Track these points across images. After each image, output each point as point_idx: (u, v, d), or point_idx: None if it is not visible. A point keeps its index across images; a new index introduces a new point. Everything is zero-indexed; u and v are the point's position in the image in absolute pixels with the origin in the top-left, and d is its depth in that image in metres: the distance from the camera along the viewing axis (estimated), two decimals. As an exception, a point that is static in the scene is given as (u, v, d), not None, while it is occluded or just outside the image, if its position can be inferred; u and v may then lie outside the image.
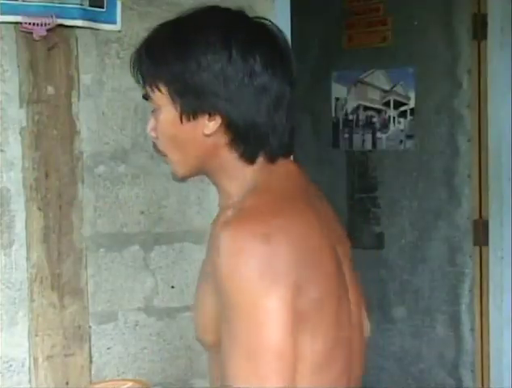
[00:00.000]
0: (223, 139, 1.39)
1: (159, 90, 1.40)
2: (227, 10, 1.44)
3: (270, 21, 1.44)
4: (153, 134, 1.45)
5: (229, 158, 1.41)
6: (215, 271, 1.29)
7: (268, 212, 1.32)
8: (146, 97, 1.44)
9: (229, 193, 1.43)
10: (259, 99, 1.38)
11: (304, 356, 1.30)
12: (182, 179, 1.48)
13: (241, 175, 1.42)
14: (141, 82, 1.44)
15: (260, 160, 1.41)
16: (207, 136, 1.39)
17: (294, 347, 1.27)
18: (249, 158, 1.40)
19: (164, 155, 1.45)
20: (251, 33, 1.40)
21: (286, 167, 1.45)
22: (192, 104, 1.37)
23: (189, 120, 1.38)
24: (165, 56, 1.39)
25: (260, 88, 1.37)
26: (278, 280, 1.26)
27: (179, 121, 1.39)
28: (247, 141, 1.39)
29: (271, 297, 1.25)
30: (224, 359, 1.28)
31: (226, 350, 1.28)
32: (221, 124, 1.37)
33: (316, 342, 1.32)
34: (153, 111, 1.44)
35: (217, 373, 1.38)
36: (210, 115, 1.37)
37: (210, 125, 1.37)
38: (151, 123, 1.45)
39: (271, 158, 1.42)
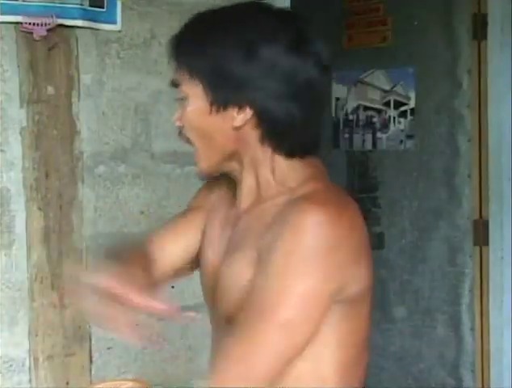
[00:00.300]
0: (252, 133, 1.37)
1: (193, 79, 1.37)
2: (270, 8, 1.41)
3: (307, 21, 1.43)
4: (178, 123, 1.42)
5: (262, 152, 1.39)
6: (279, 234, 1.27)
7: (336, 198, 1.34)
8: (175, 84, 1.41)
9: (270, 182, 1.40)
10: (303, 94, 1.35)
11: (345, 344, 1.34)
12: (207, 175, 1.47)
13: (280, 168, 1.40)
14: (174, 65, 1.41)
15: (292, 156, 1.40)
16: (237, 129, 1.36)
17: (307, 335, 1.28)
18: (285, 152, 1.39)
19: (192, 144, 1.42)
20: (305, 30, 1.38)
21: (318, 163, 1.45)
22: (226, 96, 1.34)
23: (218, 111, 1.36)
24: (209, 45, 1.35)
25: (306, 84, 1.35)
26: (331, 267, 1.27)
27: (208, 112, 1.36)
28: (283, 135, 1.37)
29: (313, 279, 1.26)
30: (239, 319, 1.29)
31: (254, 316, 1.27)
32: (252, 118, 1.35)
33: (358, 331, 1.38)
34: (179, 100, 1.41)
35: None
36: (240, 107, 1.34)
37: (239, 118, 1.35)
38: (178, 112, 1.42)
39: (304, 153, 1.41)
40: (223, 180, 1.54)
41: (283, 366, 1.29)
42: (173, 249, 1.59)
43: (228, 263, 1.42)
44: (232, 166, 1.43)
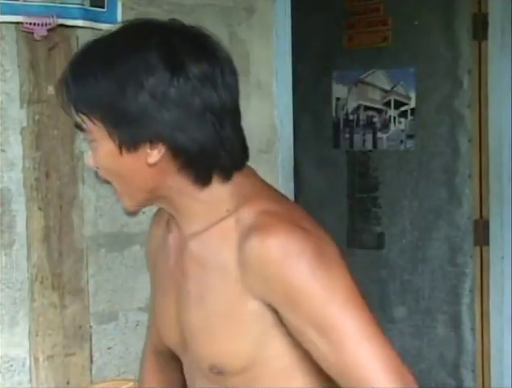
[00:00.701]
0: (171, 167, 1.28)
1: (92, 121, 1.27)
2: (160, 24, 1.31)
3: (204, 28, 1.32)
4: (93, 166, 1.34)
5: (184, 184, 1.31)
6: (274, 282, 1.23)
7: (287, 214, 1.29)
8: (79, 127, 1.32)
9: (199, 213, 1.33)
10: (202, 119, 1.26)
11: None
12: (133, 213, 1.39)
13: (209, 193, 1.32)
14: (70, 111, 1.31)
15: (215, 179, 1.31)
16: (152, 166, 1.27)
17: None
18: (203, 181, 1.30)
19: (110, 184, 1.35)
20: (183, 48, 1.26)
21: (245, 175, 1.36)
22: (130, 134, 1.25)
23: (129, 151, 1.26)
24: (96, 81, 1.25)
25: (202, 107, 1.25)
26: (336, 261, 1.27)
27: (118, 153, 1.27)
28: (198, 165, 1.28)
29: (341, 276, 1.26)
30: (334, 360, 1.23)
31: (330, 350, 1.23)
32: (166, 152, 1.26)
33: None
34: (88, 142, 1.33)
35: None
36: (151, 142, 1.25)
37: (153, 154, 1.26)
38: (89, 155, 1.34)
39: (226, 176, 1.32)
40: (156, 224, 1.54)
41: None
42: None
43: (194, 308, 1.35)
44: (159, 200, 1.36)
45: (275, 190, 1.41)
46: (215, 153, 1.28)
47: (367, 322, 1.24)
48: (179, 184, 1.31)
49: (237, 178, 1.34)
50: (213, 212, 1.32)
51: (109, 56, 1.26)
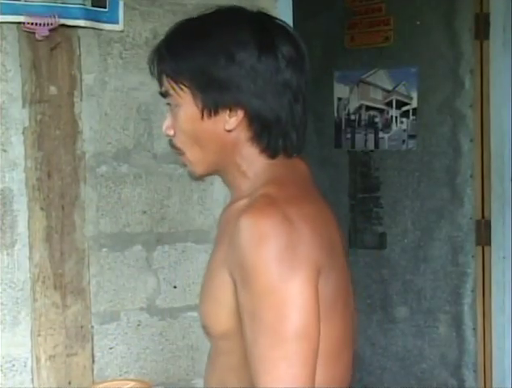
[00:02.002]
0: (244, 134, 1.40)
1: (181, 86, 1.40)
2: (248, 11, 1.46)
3: (284, 22, 1.47)
4: (169, 132, 1.45)
5: (250, 153, 1.42)
6: (236, 258, 1.30)
7: (286, 199, 1.34)
8: (164, 94, 1.44)
9: (242, 188, 1.44)
10: (282, 93, 1.39)
11: (320, 344, 1.31)
12: (200, 178, 1.49)
13: (259, 170, 1.43)
14: (160, 78, 1.44)
15: (280, 155, 1.43)
16: (229, 131, 1.39)
17: (319, 331, 1.29)
18: (271, 152, 1.42)
19: (182, 153, 1.45)
20: (275, 32, 1.41)
21: (299, 164, 1.47)
22: (215, 98, 1.38)
23: (210, 115, 1.39)
24: (190, 50, 1.39)
25: (283, 84, 1.39)
26: (301, 263, 1.28)
27: (200, 117, 1.39)
28: (270, 135, 1.40)
29: (296, 280, 1.27)
30: (249, 346, 1.29)
31: (250, 337, 1.29)
32: (243, 119, 1.38)
33: (331, 330, 1.35)
34: (169, 108, 1.45)
35: (220, 363, 1.41)
36: (231, 110, 1.38)
37: (231, 121, 1.38)
38: (167, 121, 1.45)
39: (289, 153, 1.43)
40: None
41: (312, 371, 1.28)
42: None
43: (207, 276, 1.45)
44: (222, 169, 1.46)
45: (308, 183, 1.47)
46: (286, 128, 1.41)
47: (293, 336, 1.26)
48: (245, 156, 1.42)
49: (285, 162, 1.44)
50: (246, 189, 1.42)
51: (204, 30, 1.41)
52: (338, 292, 1.38)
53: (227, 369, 1.41)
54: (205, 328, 1.42)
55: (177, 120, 1.43)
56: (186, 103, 1.40)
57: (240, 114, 1.38)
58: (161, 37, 1.51)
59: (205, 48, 1.38)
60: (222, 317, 1.37)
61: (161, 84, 1.45)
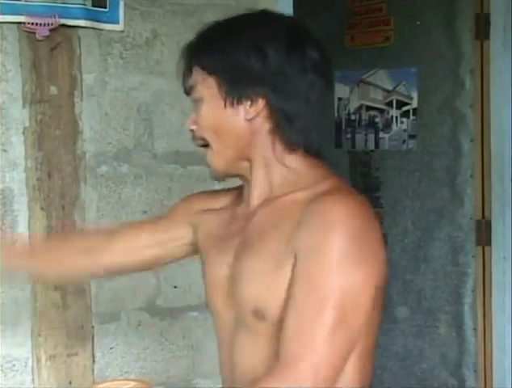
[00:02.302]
0: (264, 125, 1.46)
1: (209, 78, 1.45)
2: (278, 14, 1.54)
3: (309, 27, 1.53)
4: (192, 127, 1.50)
5: (271, 145, 1.47)
6: (309, 235, 1.34)
7: (355, 193, 1.43)
8: (189, 90, 1.50)
9: (284, 179, 1.47)
10: (304, 92, 1.45)
11: (368, 339, 1.42)
12: (222, 175, 1.53)
13: (290, 163, 1.47)
14: (187, 74, 1.49)
15: (300, 152, 1.47)
16: (249, 121, 1.45)
17: (361, 328, 1.37)
18: (291, 145, 1.46)
19: (204, 145, 1.50)
20: (303, 35, 1.48)
21: (323, 164, 1.52)
22: (239, 88, 1.44)
23: (232, 105, 1.44)
24: (224, 44, 1.45)
25: (307, 83, 1.45)
26: (373, 255, 1.37)
27: (223, 107, 1.45)
28: (291, 129, 1.45)
29: (364, 270, 1.36)
30: (292, 317, 1.33)
31: (297, 308, 1.33)
32: (263, 110, 1.44)
33: (375, 328, 1.47)
34: (195, 103, 1.50)
35: (274, 347, 1.40)
36: (252, 101, 1.43)
37: (251, 110, 1.44)
38: (191, 117, 1.51)
39: (311, 151, 1.49)
40: (211, 198, 1.68)
41: (344, 361, 1.34)
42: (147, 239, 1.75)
43: (248, 257, 1.46)
44: (244, 165, 1.49)
45: None
46: (306, 122, 1.46)
47: (344, 325, 1.32)
48: (267, 147, 1.46)
49: (314, 159, 1.50)
50: (289, 182, 1.47)
51: (236, 27, 1.48)
52: (383, 290, 1.46)
53: (275, 354, 1.41)
54: (258, 311, 1.42)
55: (200, 113, 1.48)
56: (211, 95, 1.46)
57: (260, 103, 1.43)
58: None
59: (238, 44, 1.44)
60: (283, 299, 1.38)
61: (185, 81, 1.50)
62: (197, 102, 1.49)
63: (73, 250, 1.79)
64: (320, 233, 1.33)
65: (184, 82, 1.51)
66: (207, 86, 1.46)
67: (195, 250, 1.72)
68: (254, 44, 1.43)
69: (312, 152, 1.49)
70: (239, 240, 1.51)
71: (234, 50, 1.44)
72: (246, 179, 1.52)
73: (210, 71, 1.46)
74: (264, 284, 1.41)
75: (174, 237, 1.75)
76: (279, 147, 1.47)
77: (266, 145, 1.47)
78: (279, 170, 1.48)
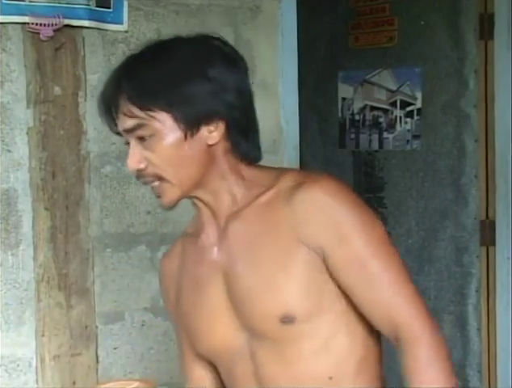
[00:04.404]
0: (224, 146, 1.44)
1: (157, 113, 1.38)
2: (198, 34, 1.48)
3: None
4: (141, 166, 1.42)
5: (229, 163, 1.45)
6: (323, 224, 1.37)
7: (320, 173, 1.46)
8: (130, 129, 1.41)
9: (239, 193, 1.46)
10: (249, 101, 1.46)
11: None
12: (174, 205, 1.49)
13: (246, 174, 1.47)
14: (124, 112, 1.40)
15: (255, 160, 1.49)
16: (211, 147, 1.42)
17: None
18: (250, 158, 1.47)
19: (158, 180, 1.43)
20: (230, 48, 1.47)
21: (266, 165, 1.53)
22: (197, 116, 1.39)
23: (192, 134, 1.40)
24: (161, 76, 1.39)
25: (248, 92, 1.46)
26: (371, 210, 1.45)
27: (183, 139, 1.39)
28: (247, 142, 1.45)
29: (380, 224, 1.46)
30: (369, 291, 1.39)
31: (367, 282, 1.39)
32: (223, 131, 1.42)
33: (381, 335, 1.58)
34: (135, 141, 1.42)
35: (297, 351, 1.42)
36: (209, 125, 1.40)
37: (213, 135, 1.41)
38: (135, 155, 1.42)
39: (260, 158, 1.50)
40: (168, 260, 1.64)
41: None
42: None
43: (246, 272, 1.44)
44: (201, 189, 1.47)
45: None
46: (256, 132, 1.48)
47: (400, 267, 1.41)
48: (225, 166, 1.45)
49: (260, 165, 1.51)
50: (251, 190, 1.46)
51: (169, 53, 1.42)
52: None
53: (309, 354, 1.43)
54: (287, 317, 1.40)
55: (154, 150, 1.40)
56: (165, 129, 1.39)
57: (221, 126, 1.41)
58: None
59: (177, 68, 1.40)
60: (307, 297, 1.40)
61: (118, 123, 1.43)
62: (145, 140, 1.40)
63: None
64: (330, 219, 1.37)
65: (116, 124, 1.44)
66: (158, 122, 1.39)
67: None
68: (196, 69, 1.40)
69: (260, 159, 1.50)
70: (223, 264, 1.47)
71: (178, 78, 1.39)
72: (202, 201, 1.49)
73: (158, 108, 1.38)
74: (283, 288, 1.40)
75: None
76: (235, 162, 1.46)
77: (223, 164, 1.45)
78: (238, 183, 1.46)
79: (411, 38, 3.74)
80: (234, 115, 1.42)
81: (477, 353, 3.64)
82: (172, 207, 1.49)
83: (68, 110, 2.42)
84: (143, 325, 2.56)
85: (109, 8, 2.46)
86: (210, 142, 1.41)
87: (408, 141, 3.82)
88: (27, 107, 2.37)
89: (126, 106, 1.39)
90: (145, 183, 1.47)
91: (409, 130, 3.81)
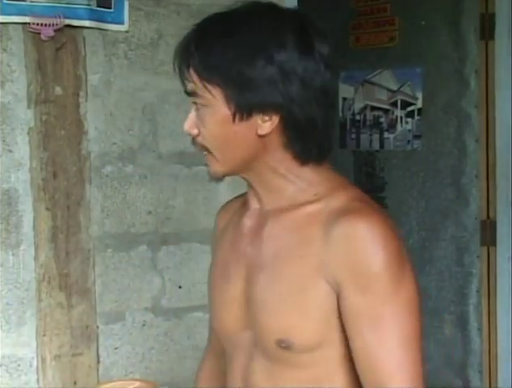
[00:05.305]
0: (277, 139, 1.34)
1: (210, 87, 1.32)
2: (283, 7, 1.38)
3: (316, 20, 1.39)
4: (193, 131, 1.36)
5: (282, 160, 1.36)
6: (351, 264, 1.27)
7: (377, 205, 1.36)
8: (190, 93, 1.35)
9: (287, 192, 1.38)
10: (319, 98, 1.34)
11: None
12: (220, 179, 1.41)
13: (306, 174, 1.38)
14: (184, 76, 1.35)
15: (311, 161, 1.38)
16: (260, 137, 1.33)
17: None
18: (303, 158, 1.37)
19: (207, 152, 1.37)
20: (313, 31, 1.34)
21: (328, 166, 1.43)
22: (249, 102, 1.31)
23: (242, 119, 1.32)
24: (223, 50, 1.31)
25: (320, 88, 1.34)
26: (409, 265, 1.31)
27: (231, 120, 1.32)
28: (305, 142, 1.35)
29: (411, 281, 1.29)
30: (368, 349, 1.28)
31: (371, 339, 1.27)
32: (278, 124, 1.32)
33: None
34: (195, 106, 1.36)
35: (294, 378, 1.36)
36: (264, 114, 1.31)
37: (265, 125, 1.32)
38: (190, 119, 1.36)
39: (319, 160, 1.39)
40: (229, 206, 1.57)
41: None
42: None
43: (265, 281, 1.38)
44: (248, 172, 1.39)
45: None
46: (320, 133, 1.36)
47: (415, 336, 1.28)
48: (278, 160, 1.36)
49: (324, 166, 1.41)
50: (301, 193, 1.37)
51: (240, 27, 1.32)
52: None
53: (308, 382, 1.36)
54: (283, 342, 1.34)
55: (204, 121, 1.34)
56: (217, 105, 1.32)
57: (275, 119, 1.31)
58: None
59: (242, 46, 1.30)
60: (312, 328, 1.33)
61: (184, 82, 1.36)
62: (199, 108, 1.35)
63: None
64: (360, 265, 1.27)
65: (183, 83, 1.36)
66: (211, 96, 1.32)
67: None
68: (262, 49, 1.29)
69: (323, 155, 1.39)
70: (249, 259, 1.41)
71: (240, 57, 1.29)
72: (251, 185, 1.42)
73: (213, 80, 1.31)
74: (290, 314, 1.34)
75: None
76: (290, 159, 1.36)
77: (276, 158, 1.36)
78: (288, 181, 1.38)
79: (412, 38, 3.74)
80: (292, 110, 1.31)
81: (478, 353, 3.65)
82: (218, 180, 1.41)
83: (69, 110, 2.42)
84: (144, 325, 2.56)
85: (110, 8, 2.46)
86: (260, 132, 1.32)
87: (409, 141, 3.82)
88: (28, 107, 2.37)
89: (188, 69, 1.33)
90: (197, 150, 1.40)
91: (409, 130, 3.81)
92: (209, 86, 1.31)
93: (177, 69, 1.36)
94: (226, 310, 1.46)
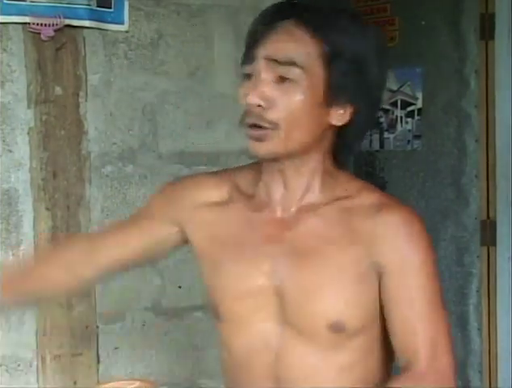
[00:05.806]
0: (332, 136, 1.40)
1: (319, 65, 1.32)
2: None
3: None
4: (261, 102, 1.32)
5: (328, 154, 1.42)
6: (394, 251, 1.37)
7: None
8: (284, 62, 1.31)
9: (320, 186, 1.43)
10: (380, 102, 1.44)
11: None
12: (267, 157, 1.38)
13: (334, 172, 1.44)
14: (284, 39, 1.31)
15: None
16: (330, 127, 1.38)
17: None
18: (342, 159, 1.46)
19: (270, 128, 1.33)
20: (383, 40, 1.47)
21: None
22: (345, 92, 1.34)
23: (327, 106, 1.34)
24: (354, 35, 1.33)
25: (383, 94, 1.43)
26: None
27: (318, 103, 1.33)
28: (354, 143, 1.46)
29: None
30: (406, 321, 1.38)
31: (408, 313, 1.38)
32: (347, 120, 1.38)
33: None
34: (275, 79, 1.33)
35: (339, 360, 1.41)
36: (345, 109, 1.36)
37: (343, 117, 1.36)
38: (263, 91, 1.32)
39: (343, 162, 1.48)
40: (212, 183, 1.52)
41: None
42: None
43: (309, 269, 1.40)
44: (293, 160, 1.39)
45: None
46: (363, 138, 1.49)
47: (443, 315, 1.46)
48: (324, 154, 1.41)
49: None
50: (334, 191, 1.43)
51: (364, 27, 1.38)
52: None
53: (337, 367, 1.41)
54: (336, 325, 1.38)
55: (288, 95, 1.31)
56: (312, 84, 1.31)
57: (346, 115, 1.36)
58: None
59: (368, 43, 1.35)
60: (363, 310, 1.39)
61: (268, 45, 1.33)
62: (283, 81, 1.31)
63: (55, 266, 1.62)
64: (402, 246, 1.38)
65: (258, 46, 1.34)
66: (310, 73, 1.31)
67: (183, 243, 1.61)
68: (380, 52, 1.37)
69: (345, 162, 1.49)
70: (280, 248, 1.41)
71: (366, 52, 1.34)
72: (284, 174, 1.41)
73: (324, 58, 1.30)
74: (345, 298, 1.38)
75: (159, 240, 1.59)
76: (332, 156, 1.43)
77: (323, 152, 1.41)
78: (325, 175, 1.42)
79: (412, 38, 3.74)
80: (362, 113, 1.38)
81: (478, 353, 3.64)
82: (264, 158, 1.39)
83: (69, 110, 2.42)
84: (144, 325, 2.56)
85: (110, 8, 2.46)
86: (334, 122, 1.36)
87: (409, 141, 3.82)
88: (28, 107, 2.37)
89: (299, 29, 1.31)
90: (249, 124, 1.34)
91: (409, 130, 3.81)
92: (316, 61, 1.31)
93: (279, 29, 1.32)
94: (244, 302, 1.44)
